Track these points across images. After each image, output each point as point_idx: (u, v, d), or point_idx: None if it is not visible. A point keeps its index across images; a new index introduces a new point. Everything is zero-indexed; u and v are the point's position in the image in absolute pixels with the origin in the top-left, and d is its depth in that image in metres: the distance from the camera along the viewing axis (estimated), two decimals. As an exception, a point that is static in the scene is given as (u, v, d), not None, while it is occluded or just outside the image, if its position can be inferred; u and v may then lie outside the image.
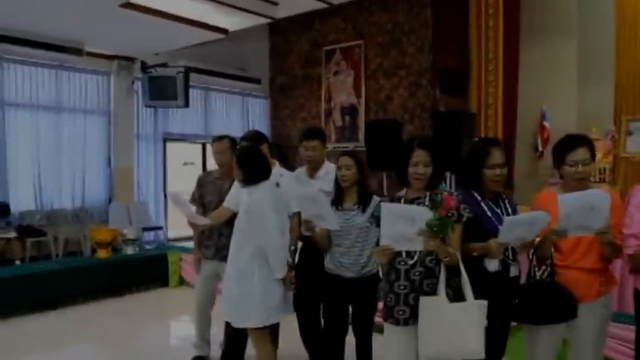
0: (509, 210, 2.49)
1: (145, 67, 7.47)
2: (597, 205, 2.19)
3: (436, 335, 2.22)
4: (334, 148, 8.22)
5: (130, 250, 6.12)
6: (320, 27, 8.91)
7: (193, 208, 3.67)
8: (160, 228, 8.11)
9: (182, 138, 8.73)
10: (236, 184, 3.36)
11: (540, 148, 7.20)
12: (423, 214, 2.15)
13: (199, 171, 9.06)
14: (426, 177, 2.33)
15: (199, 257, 3.78)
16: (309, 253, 3.39)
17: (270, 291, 2.95)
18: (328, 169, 3.40)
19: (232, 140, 3.67)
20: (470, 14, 6.86)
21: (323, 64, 8.89)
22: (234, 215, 3.31)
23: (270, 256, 2.91)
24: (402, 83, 7.94)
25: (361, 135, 8.24)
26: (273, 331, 3.18)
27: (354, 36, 8.46)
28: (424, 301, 2.26)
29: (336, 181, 2.96)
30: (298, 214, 3.29)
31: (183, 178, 9.74)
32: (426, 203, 2.29)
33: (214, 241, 3.61)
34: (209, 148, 8.97)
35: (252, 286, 2.94)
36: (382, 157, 6.42)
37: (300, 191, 3.01)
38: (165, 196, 8.38)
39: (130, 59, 7.62)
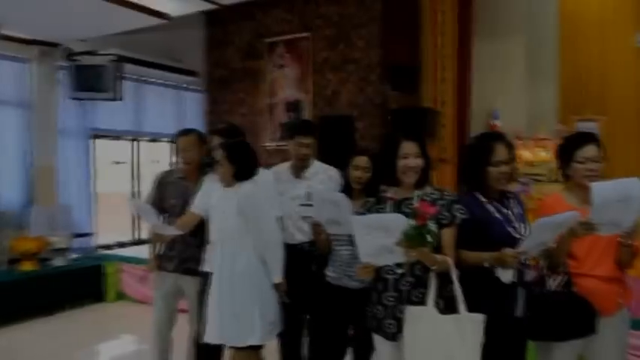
0: (518, 210, 2.28)
1: (70, 54, 6.68)
2: (632, 195, 1.96)
3: (422, 349, 1.98)
4: (277, 145, 7.81)
5: (59, 262, 5.40)
6: (262, 18, 8.43)
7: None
8: (90, 234, 7.31)
9: (111, 134, 7.95)
10: (206, 185, 2.98)
11: (492, 148, 7.21)
12: (396, 221, 1.90)
13: (129, 170, 8.36)
14: (418, 169, 2.15)
15: (153, 268, 3.31)
16: (290, 262, 3.04)
17: (270, 299, 2.61)
18: (318, 169, 3.10)
19: (200, 135, 3.23)
20: (422, 10, 6.70)
21: (266, 57, 8.41)
22: (200, 222, 2.93)
23: (268, 255, 2.57)
24: (351, 78, 7.65)
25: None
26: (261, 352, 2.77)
27: (300, 28, 8.05)
28: (409, 311, 2.04)
29: (346, 182, 2.71)
30: (280, 218, 2.96)
31: (114, 179, 9.03)
32: (415, 204, 2.07)
33: (178, 252, 3.17)
34: (143, 146, 8.43)
35: (251, 294, 2.57)
36: (334, 154, 6.09)
37: (323, 193, 2.65)
38: (93, 199, 7.60)
39: (53, 45, 6.78)
